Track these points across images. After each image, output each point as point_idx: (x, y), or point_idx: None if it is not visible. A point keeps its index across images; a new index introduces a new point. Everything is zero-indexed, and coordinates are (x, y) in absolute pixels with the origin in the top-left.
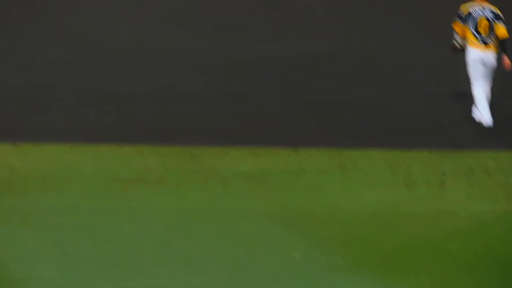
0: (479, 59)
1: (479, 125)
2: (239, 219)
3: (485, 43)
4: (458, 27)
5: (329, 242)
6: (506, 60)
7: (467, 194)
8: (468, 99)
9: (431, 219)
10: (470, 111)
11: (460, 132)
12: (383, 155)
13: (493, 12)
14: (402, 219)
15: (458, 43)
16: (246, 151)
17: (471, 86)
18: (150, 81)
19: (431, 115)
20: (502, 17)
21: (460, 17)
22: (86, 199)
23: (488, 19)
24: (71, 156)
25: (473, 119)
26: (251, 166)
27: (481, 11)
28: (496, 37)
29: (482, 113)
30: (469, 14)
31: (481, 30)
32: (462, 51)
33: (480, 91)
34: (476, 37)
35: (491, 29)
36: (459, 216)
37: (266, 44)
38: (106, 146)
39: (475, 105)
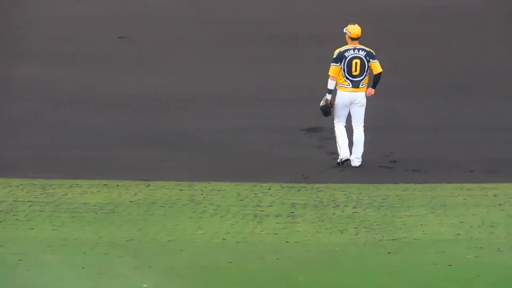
0: (348, 101)
1: (330, 159)
2: (89, 250)
3: (356, 86)
4: (334, 70)
5: (179, 273)
6: (370, 90)
7: (316, 226)
8: (319, 134)
9: (280, 250)
10: (321, 146)
11: (311, 166)
12: (233, 188)
13: (365, 51)
14: (251, 250)
15: (325, 104)
16: (96, 183)
17: (335, 124)
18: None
19: (282, 149)
20: (375, 55)
21: (335, 59)
22: None
23: (361, 59)
24: None
25: (323, 154)
26: (101, 197)
27: (354, 52)
28: (371, 73)
29: (342, 150)
30: (343, 56)
31: (353, 70)
32: (329, 113)
33: (342, 130)
34: (347, 80)
35: (363, 67)
36: (308, 248)
37: (119, 79)
38: None
39: (337, 142)
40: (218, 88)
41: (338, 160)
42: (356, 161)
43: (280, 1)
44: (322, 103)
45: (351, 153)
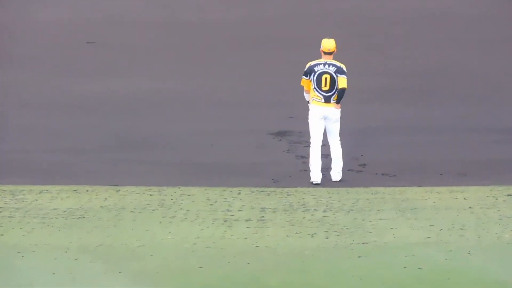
0: (321, 115)
1: (299, 163)
2: (59, 255)
3: (328, 101)
4: (304, 83)
5: (149, 278)
6: (336, 105)
7: (286, 230)
8: (288, 138)
9: (250, 254)
10: (290, 150)
11: (280, 170)
12: (203, 192)
13: (336, 66)
14: (221, 254)
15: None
16: (66, 189)
17: (311, 143)
18: None
19: (251, 153)
20: (345, 70)
21: (305, 73)
22: None
23: (330, 74)
24: None
25: (292, 158)
26: (71, 203)
27: (324, 67)
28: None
29: (313, 173)
30: (312, 70)
31: (323, 85)
32: None
33: (316, 153)
34: (318, 94)
35: (333, 83)
36: (278, 252)
37: (87, 83)
38: None
39: (310, 163)
40: (185, 91)
41: (311, 181)
42: (337, 175)
43: (247, 3)
44: None
45: (331, 169)
